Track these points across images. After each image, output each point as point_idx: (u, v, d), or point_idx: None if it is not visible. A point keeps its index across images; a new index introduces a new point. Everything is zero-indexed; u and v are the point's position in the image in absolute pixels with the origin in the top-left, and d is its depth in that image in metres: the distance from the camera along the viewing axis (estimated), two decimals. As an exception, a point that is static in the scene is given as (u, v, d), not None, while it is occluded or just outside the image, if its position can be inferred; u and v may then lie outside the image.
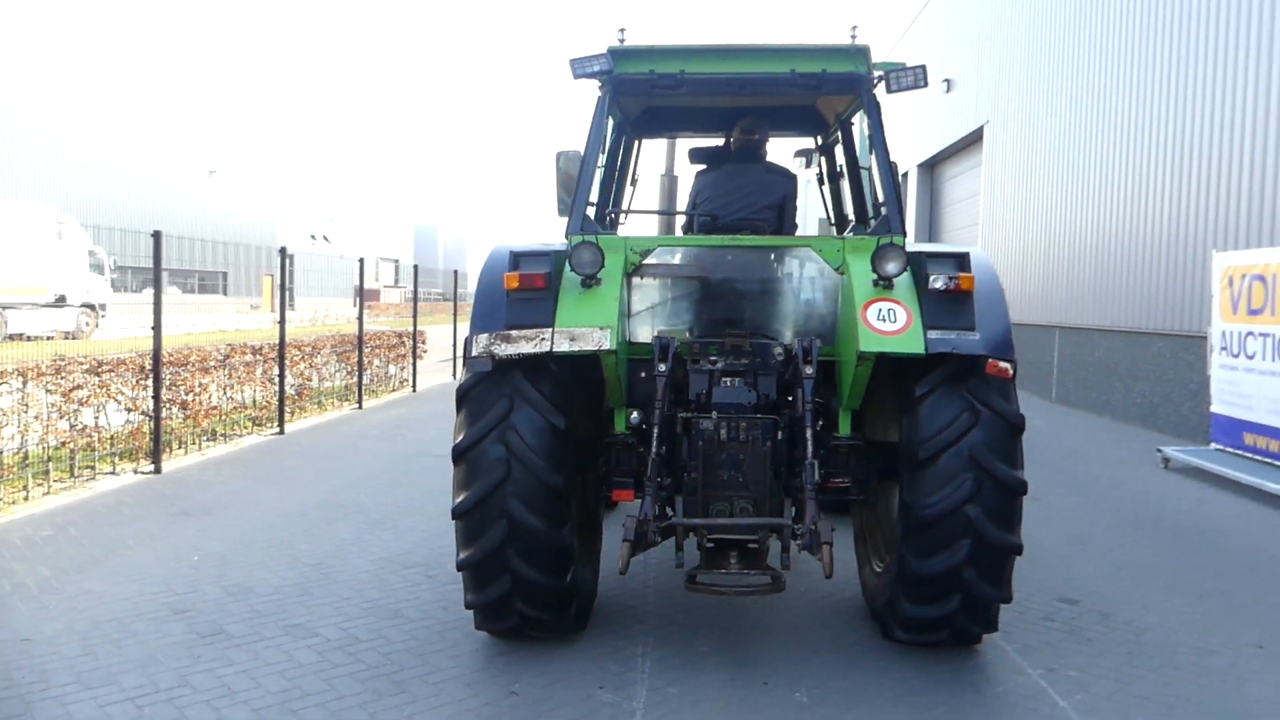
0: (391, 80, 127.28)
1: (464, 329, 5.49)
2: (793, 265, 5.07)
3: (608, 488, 4.93)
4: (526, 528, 4.36)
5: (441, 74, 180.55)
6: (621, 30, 5.15)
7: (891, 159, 5.07)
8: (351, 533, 6.88)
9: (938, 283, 4.41)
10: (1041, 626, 5.20)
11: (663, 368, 4.51)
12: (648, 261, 4.96)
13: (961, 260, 4.52)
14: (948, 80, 22.77)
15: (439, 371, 19.62)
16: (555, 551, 4.45)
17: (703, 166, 6.14)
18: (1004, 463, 4.35)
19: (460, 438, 4.41)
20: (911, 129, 25.04)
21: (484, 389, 4.40)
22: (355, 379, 14.54)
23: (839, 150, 6.32)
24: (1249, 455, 9.22)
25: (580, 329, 4.39)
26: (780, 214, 5.80)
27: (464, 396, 4.46)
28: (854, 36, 5.06)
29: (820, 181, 6.97)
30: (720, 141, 6.47)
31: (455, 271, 24.03)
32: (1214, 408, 9.92)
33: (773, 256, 5.08)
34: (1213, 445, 9.92)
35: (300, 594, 5.52)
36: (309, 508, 7.64)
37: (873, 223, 5.50)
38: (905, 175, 24.80)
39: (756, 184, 5.77)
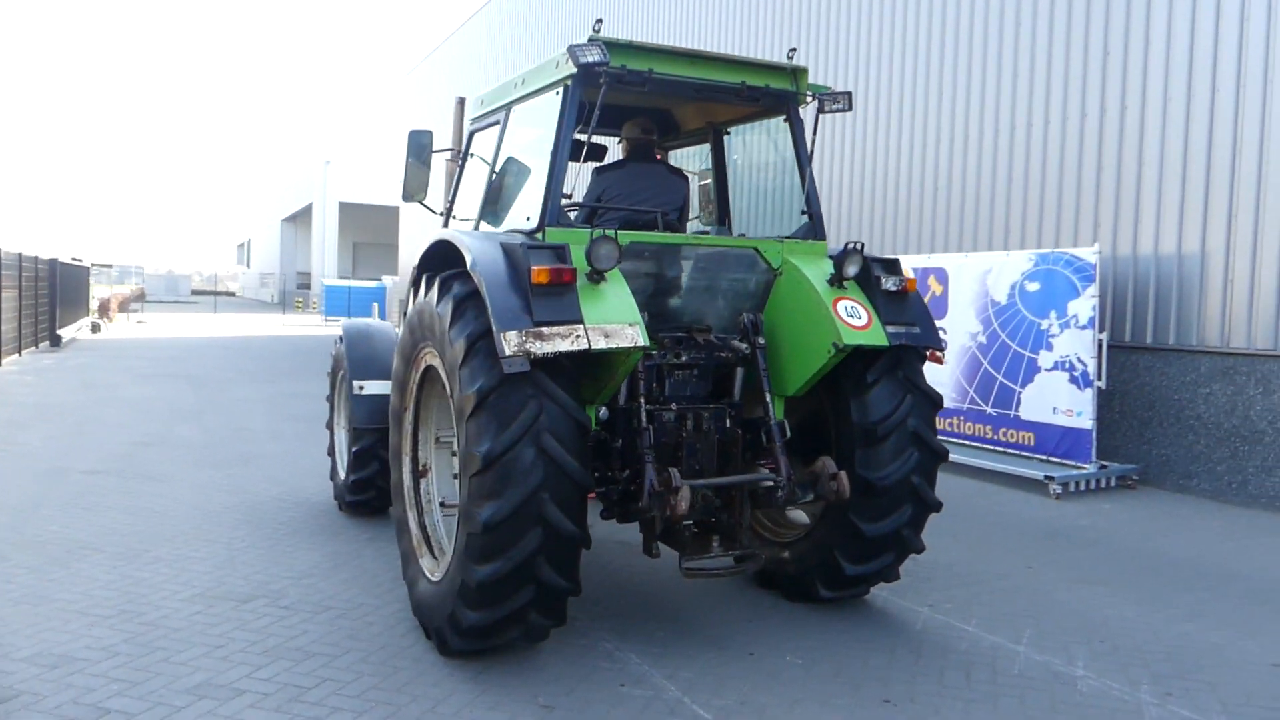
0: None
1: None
2: (734, 264, 5.28)
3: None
4: (562, 534, 4.22)
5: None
6: (599, 22, 5.15)
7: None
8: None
9: (889, 284, 5.11)
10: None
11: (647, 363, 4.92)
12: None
13: (895, 265, 5.23)
14: None
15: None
16: (577, 555, 4.38)
17: (597, 163, 5.98)
18: (933, 434, 5.20)
19: (487, 443, 4.09)
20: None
21: (507, 389, 4.16)
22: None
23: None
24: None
25: (612, 325, 4.29)
26: (682, 213, 5.88)
27: (485, 397, 4.15)
28: (791, 58, 5.38)
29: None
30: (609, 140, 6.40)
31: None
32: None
33: (720, 256, 5.28)
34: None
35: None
36: None
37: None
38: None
39: (663, 183, 5.75)
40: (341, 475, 7.70)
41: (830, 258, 5.22)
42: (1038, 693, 4.47)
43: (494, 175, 5.57)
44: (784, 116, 5.48)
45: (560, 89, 4.91)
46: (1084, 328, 8.83)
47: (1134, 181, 9.31)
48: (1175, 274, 8.90)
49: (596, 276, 4.44)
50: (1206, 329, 8.70)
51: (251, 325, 35.61)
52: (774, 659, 4.80)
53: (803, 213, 5.42)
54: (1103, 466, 9.08)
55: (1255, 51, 8.31)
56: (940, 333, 9.98)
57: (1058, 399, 9.07)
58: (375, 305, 12.31)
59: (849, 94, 5.28)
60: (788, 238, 5.38)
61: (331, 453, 8.04)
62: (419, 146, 6.07)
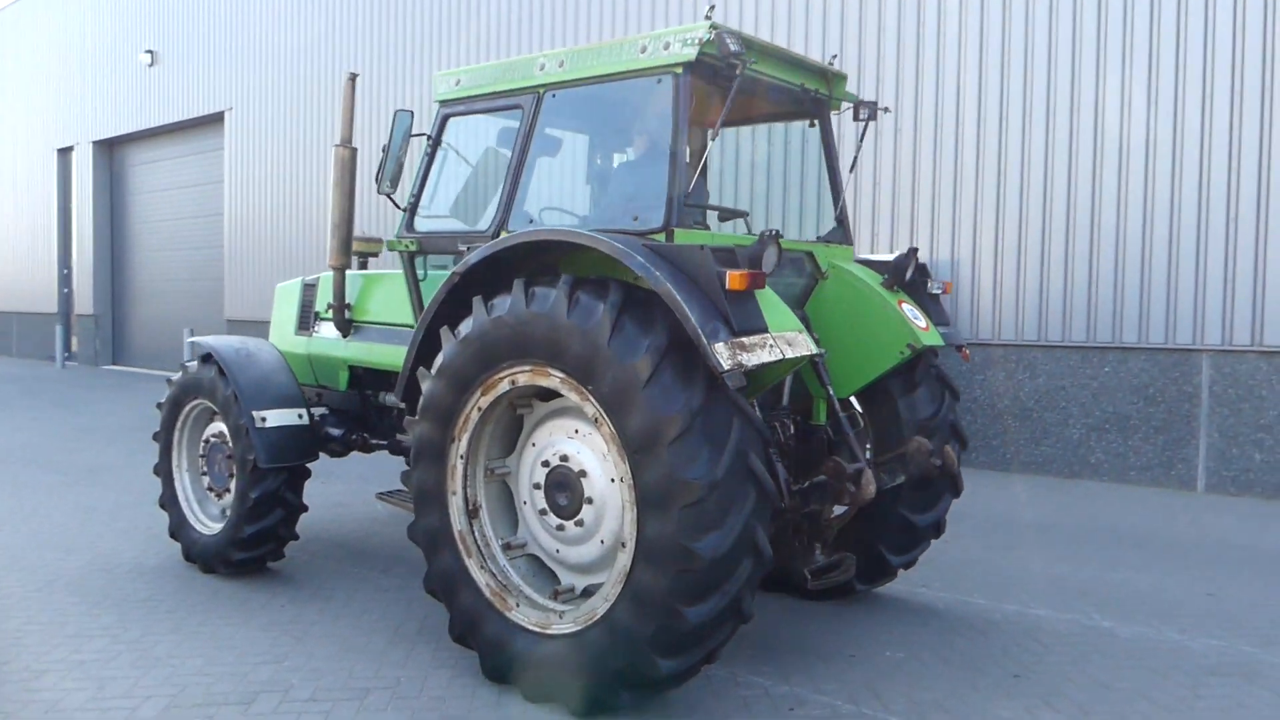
0: None
1: None
2: (789, 267, 5.22)
3: None
4: (764, 560, 3.94)
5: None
6: (711, 7, 4.83)
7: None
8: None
9: (935, 288, 5.40)
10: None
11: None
12: None
13: (926, 268, 5.49)
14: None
15: None
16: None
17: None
18: (960, 425, 5.56)
19: (702, 468, 3.71)
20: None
21: (712, 407, 3.79)
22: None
23: None
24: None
25: (790, 333, 4.09)
26: None
27: (695, 418, 3.73)
28: (832, 63, 5.50)
29: None
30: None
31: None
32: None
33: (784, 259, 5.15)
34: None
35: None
36: None
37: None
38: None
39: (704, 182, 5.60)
40: (206, 528, 6.31)
41: (885, 261, 5.38)
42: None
43: (515, 168, 4.94)
44: (813, 120, 5.52)
45: (666, 76, 4.47)
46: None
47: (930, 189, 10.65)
48: (955, 275, 10.31)
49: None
50: (979, 323, 10.21)
51: None
52: (876, 657, 4.89)
53: (836, 218, 5.52)
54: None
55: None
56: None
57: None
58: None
59: (874, 104, 5.45)
60: (826, 241, 5.45)
61: (175, 503, 6.52)
62: (404, 130, 5.21)
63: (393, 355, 6.07)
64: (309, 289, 6.92)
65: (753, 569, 3.91)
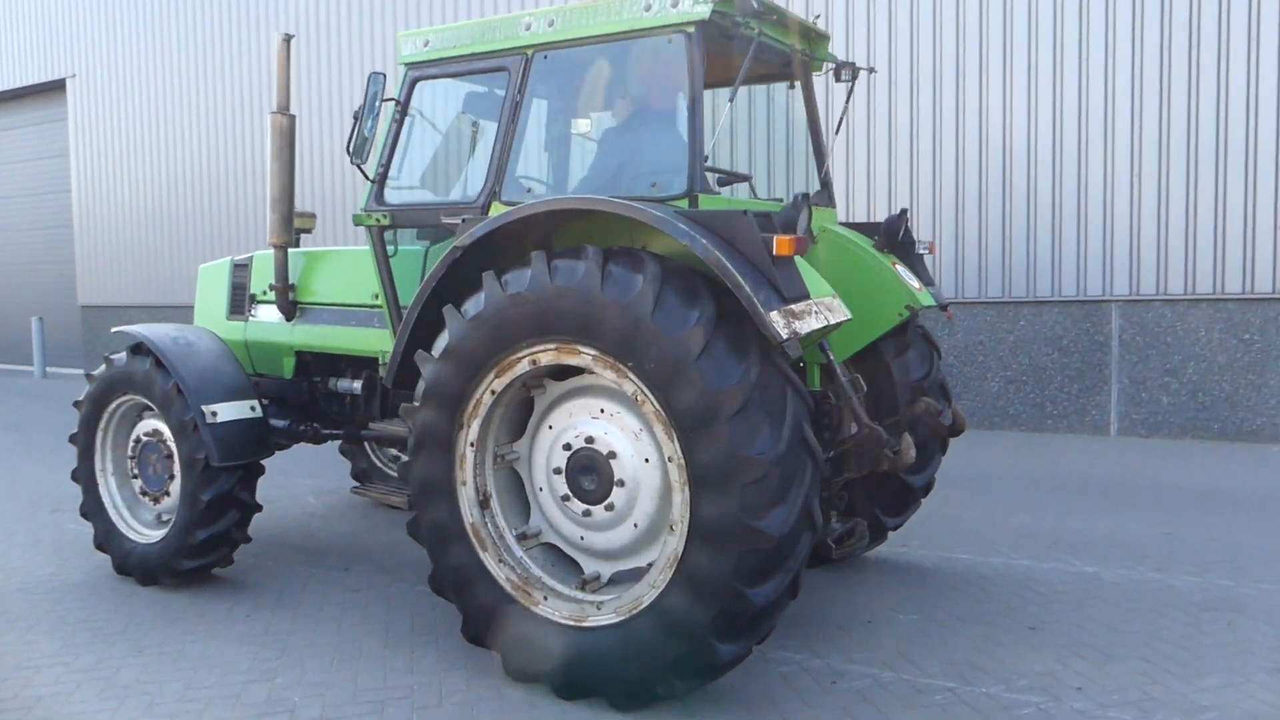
0: None
1: None
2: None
3: None
4: (817, 533, 3.82)
5: None
6: None
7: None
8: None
9: (922, 249, 5.35)
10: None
11: None
12: None
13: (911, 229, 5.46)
14: None
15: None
16: None
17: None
18: (947, 385, 5.61)
19: (765, 443, 3.53)
20: None
21: (767, 378, 3.62)
22: None
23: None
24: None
25: (827, 299, 3.97)
26: None
27: (753, 391, 3.54)
28: (815, 22, 5.39)
29: None
30: None
31: None
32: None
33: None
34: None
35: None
36: None
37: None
38: None
39: None
40: (142, 536, 5.72)
41: (874, 223, 5.32)
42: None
43: (504, 135, 4.59)
44: (793, 82, 5.36)
45: (677, 35, 4.19)
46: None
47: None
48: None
49: None
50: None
51: None
52: (893, 621, 4.88)
53: (821, 180, 5.40)
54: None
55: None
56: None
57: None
58: None
59: (851, 65, 5.35)
60: (813, 204, 5.33)
61: (100, 510, 5.86)
62: (374, 96, 4.78)
63: (348, 338, 5.64)
64: (240, 270, 6.33)
65: (809, 544, 3.79)
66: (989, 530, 6.49)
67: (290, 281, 5.84)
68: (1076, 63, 9.36)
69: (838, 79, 5.30)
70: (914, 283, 5.13)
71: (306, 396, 6.05)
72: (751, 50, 4.23)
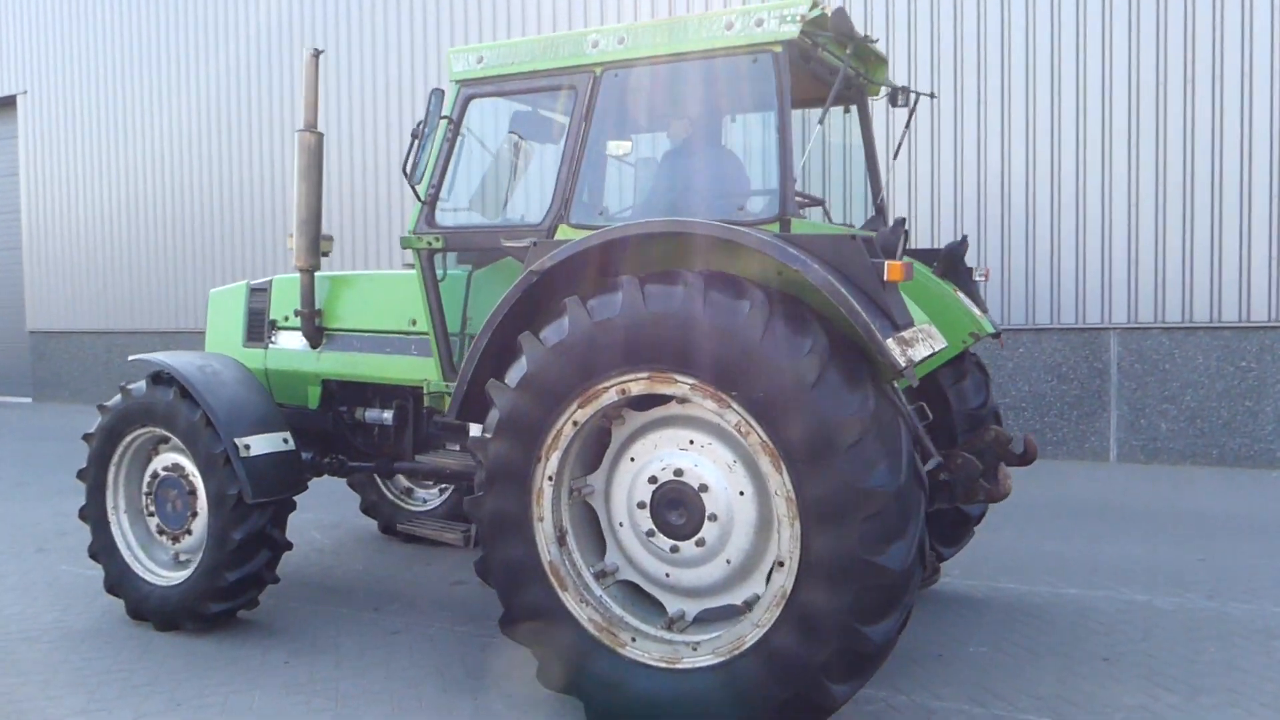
0: None
1: None
2: None
3: None
4: (925, 570, 3.73)
5: None
6: None
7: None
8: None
9: (978, 275, 5.28)
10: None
11: None
12: None
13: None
14: None
15: None
16: None
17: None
18: (999, 412, 5.54)
19: (883, 475, 3.40)
20: None
21: (883, 408, 3.51)
22: None
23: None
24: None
25: (926, 326, 3.90)
26: None
27: (870, 421, 3.40)
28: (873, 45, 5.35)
29: None
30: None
31: None
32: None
33: None
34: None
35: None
36: None
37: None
38: None
39: None
40: (160, 578, 5.38)
41: (933, 250, 5.27)
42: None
43: (572, 156, 4.44)
44: (848, 106, 5.30)
45: (763, 55, 4.07)
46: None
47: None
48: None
49: None
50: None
51: None
52: (963, 654, 4.78)
53: (876, 206, 5.34)
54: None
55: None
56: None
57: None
58: None
59: (906, 89, 5.29)
60: (869, 229, 5.27)
61: (112, 551, 5.49)
62: (435, 113, 4.60)
63: (382, 366, 5.40)
64: (257, 294, 6.05)
65: (920, 579, 3.67)
66: (1025, 558, 6.44)
67: (317, 307, 5.59)
68: (1074, 94, 9.53)
69: (893, 104, 5.25)
70: (974, 309, 5.09)
71: (331, 427, 5.78)
72: (843, 70, 4.15)
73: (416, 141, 4.60)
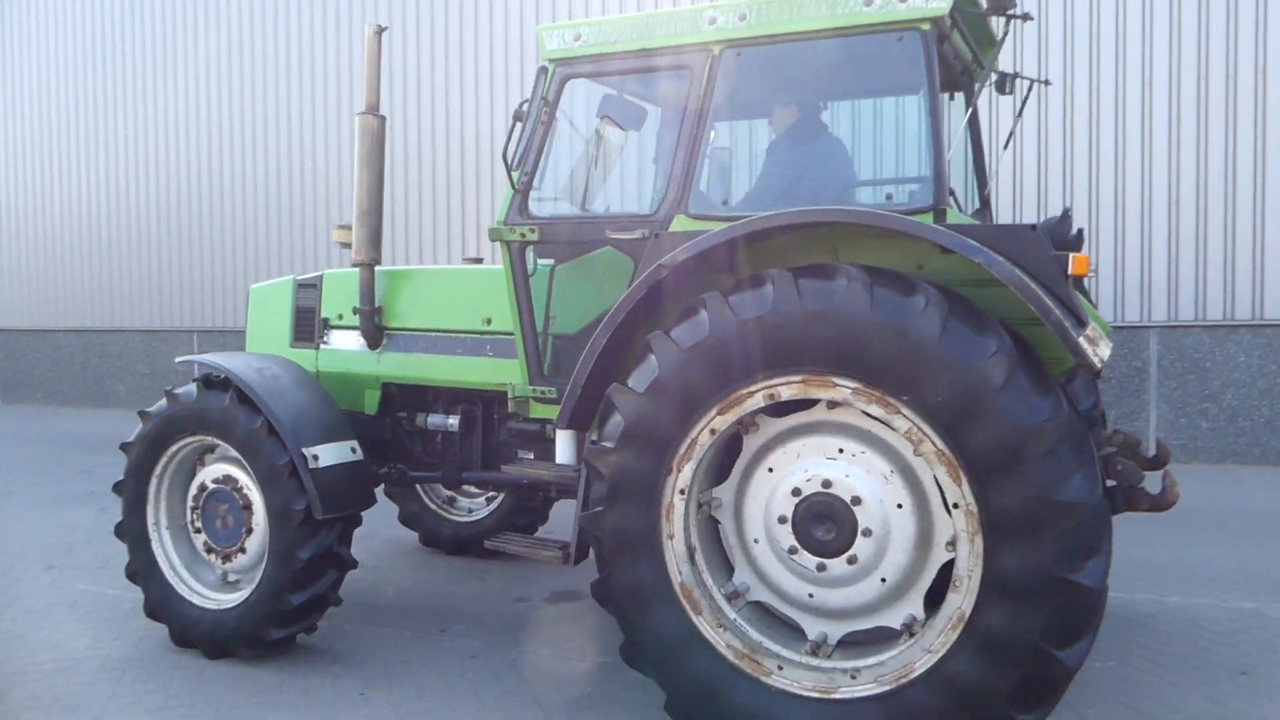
0: None
1: None
2: None
3: None
4: None
5: None
6: None
7: None
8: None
9: (1090, 270, 5.03)
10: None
11: None
12: None
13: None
14: None
15: None
16: None
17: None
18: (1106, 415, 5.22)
19: (1080, 484, 3.13)
20: None
21: (1068, 413, 3.22)
22: None
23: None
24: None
25: (1094, 322, 3.65)
26: None
27: (1062, 426, 3.14)
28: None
29: None
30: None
31: None
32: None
33: None
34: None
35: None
36: None
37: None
38: None
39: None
40: (209, 601, 4.93)
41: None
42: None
43: (690, 142, 4.08)
44: (953, 92, 4.99)
45: (909, 33, 3.75)
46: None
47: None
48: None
49: None
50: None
51: None
52: (1088, 668, 4.50)
53: (982, 198, 5.04)
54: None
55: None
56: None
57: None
58: None
59: (1015, 75, 4.99)
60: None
61: (153, 572, 5.03)
62: (538, 94, 4.22)
63: (453, 368, 5.01)
64: (305, 290, 5.61)
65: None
66: (1115, 564, 6.19)
67: (377, 305, 5.18)
68: (1112, 90, 9.36)
69: (1001, 90, 4.96)
70: (1089, 304, 4.82)
71: (390, 434, 5.37)
72: (996, 48, 3.84)
73: (520, 125, 4.21)
